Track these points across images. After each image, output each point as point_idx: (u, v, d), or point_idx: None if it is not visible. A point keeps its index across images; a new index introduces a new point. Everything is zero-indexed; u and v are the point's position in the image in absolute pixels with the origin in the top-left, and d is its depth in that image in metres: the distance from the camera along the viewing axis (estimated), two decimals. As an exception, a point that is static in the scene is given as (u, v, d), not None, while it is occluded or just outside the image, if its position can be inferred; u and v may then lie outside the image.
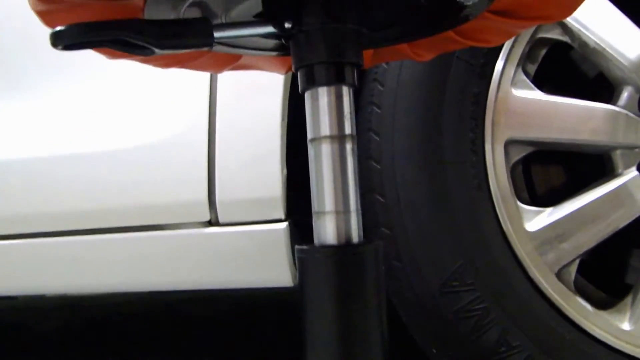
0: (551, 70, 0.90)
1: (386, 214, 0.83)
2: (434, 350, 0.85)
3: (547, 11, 0.57)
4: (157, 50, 0.48)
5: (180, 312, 1.99)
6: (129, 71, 0.92)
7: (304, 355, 0.51)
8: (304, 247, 0.52)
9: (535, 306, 0.82)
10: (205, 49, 0.50)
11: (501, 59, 0.83)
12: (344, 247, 0.51)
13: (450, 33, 0.62)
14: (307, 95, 0.53)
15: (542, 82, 0.87)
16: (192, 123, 0.88)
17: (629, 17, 0.83)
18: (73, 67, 0.96)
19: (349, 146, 0.52)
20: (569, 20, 0.83)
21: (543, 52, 0.87)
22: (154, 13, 0.51)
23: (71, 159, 0.94)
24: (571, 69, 0.93)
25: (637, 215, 0.82)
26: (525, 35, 0.84)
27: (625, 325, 0.83)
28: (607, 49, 0.83)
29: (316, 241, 0.52)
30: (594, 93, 0.86)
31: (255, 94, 0.86)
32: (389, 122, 0.83)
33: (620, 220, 0.82)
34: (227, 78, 0.87)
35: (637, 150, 0.83)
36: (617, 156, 0.84)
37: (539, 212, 0.84)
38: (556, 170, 0.92)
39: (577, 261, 0.84)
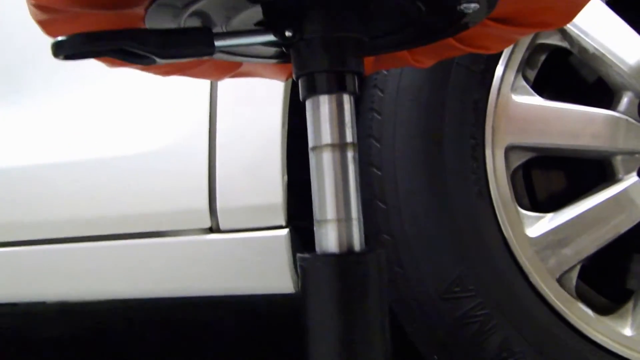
0: (551, 75, 0.90)
1: (387, 220, 0.83)
2: (436, 357, 0.85)
3: (547, 18, 0.58)
4: (158, 60, 0.48)
5: (181, 317, 1.99)
6: (130, 78, 0.92)
7: (306, 364, 0.51)
8: (306, 255, 0.52)
9: (537, 312, 0.82)
10: (206, 57, 0.50)
11: (501, 65, 0.84)
12: (346, 256, 0.51)
13: (451, 40, 0.62)
14: (308, 103, 0.53)
15: (542, 87, 0.87)
16: (192, 130, 0.88)
17: (628, 22, 0.83)
18: (74, 75, 0.96)
19: (350, 154, 0.52)
20: (568, 26, 0.83)
21: (542, 57, 0.88)
22: (154, 22, 0.51)
23: (72, 166, 0.94)
24: (570, 74, 0.93)
25: (638, 221, 0.82)
26: (525, 41, 0.84)
27: (627, 331, 0.83)
28: (607, 54, 0.83)
29: (318, 249, 0.52)
30: (593, 98, 0.86)
31: (256, 101, 0.86)
32: (390, 128, 0.83)
33: (621, 225, 0.82)
34: (227, 85, 0.87)
35: (637, 155, 0.83)
36: (618, 161, 0.84)
37: (539, 218, 0.84)
38: (557, 175, 0.92)
39: (579, 267, 0.84)
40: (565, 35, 0.84)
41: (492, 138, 0.83)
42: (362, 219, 0.52)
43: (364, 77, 0.85)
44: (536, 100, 0.84)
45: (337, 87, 0.52)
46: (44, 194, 0.96)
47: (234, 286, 0.91)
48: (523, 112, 0.84)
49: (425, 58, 0.68)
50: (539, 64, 0.87)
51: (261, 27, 0.54)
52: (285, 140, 0.85)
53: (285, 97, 0.85)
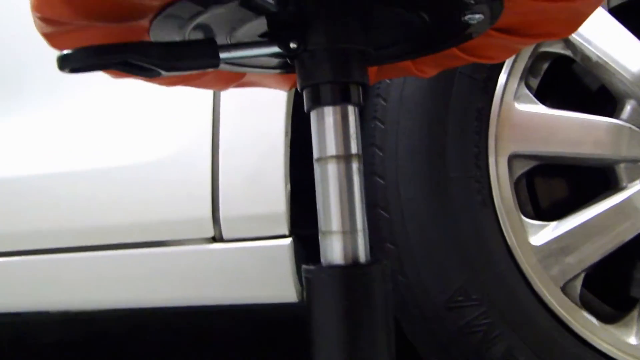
0: (554, 83, 0.90)
1: (390, 229, 0.83)
2: (440, 366, 0.85)
3: (551, 29, 0.58)
4: (163, 72, 0.48)
5: (181, 323, 1.98)
6: (132, 88, 0.92)
7: (311, 376, 0.51)
8: (311, 267, 0.51)
9: (541, 321, 0.82)
10: (211, 70, 0.50)
11: (504, 74, 0.84)
12: (351, 268, 0.51)
13: (454, 50, 0.62)
14: (312, 114, 0.53)
15: (545, 95, 0.87)
16: (195, 139, 0.88)
17: (631, 30, 0.83)
18: (77, 84, 0.96)
19: (355, 165, 0.52)
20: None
21: (545, 66, 0.88)
22: (159, 34, 0.51)
23: (74, 176, 0.94)
24: (573, 82, 0.93)
25: (642, 229, 0.82)
26: (528, 49, 0.84)
27: (632, 340, 0.83)
28: (610, 62, 0.83)
29: (323, 261, 0.52)
30: (596, 106, 0.86)
31: (259, 110, 0.86)
32: (393, 137, 0.83)
33: (625, 233, 0.82)
34: (230, 94, 0.87)
35: (641, 163, 0.83)
36: (621, 169, 0.84)
37: (543, 226, 0.84)
38: (560, 184, 0.92)
39: (583, 275, 0.84)
40: (568, 43, 0.84)
41: (495, 146, 0.83)
42: (367, 230, 0.52)
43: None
44: (539, 108, 0.84)
45: (341, 99, 0.52)
46: (47, 203, 0.96)
47: (237, 295, 0.91)
48: (526, 121, 0.83)
49: (428, 68, 0.68)
50: (542, 72, 0.88)
51: (265, 38, 0.54)
52: (289, 149, 0.85)
53: (288, 106, 0.85)
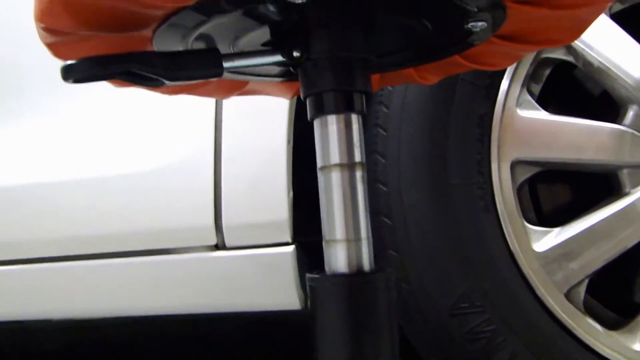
0: (555, 89, 0.90)
1: (393, 236, 0.83)
2: (444, 373, 0.84)
3: (554, 36, 0.57)
4: (167, 82, 0.48)
5: (187, 331, 1.98)
6: (134, 96, 0.92)
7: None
8: (315, 275, 0.51)
9: (545, 327, 0.82)
10: (214, 79, 0.50)
11: (506, 80, 0.84)
12: (356, 276, 0.50)
13: (457, 57, 0.62)
14: (316, 123, 0.53)
15: (547, 101, 0.87)
16: (198, 147, 0.88)
17: (632, 36, 0.83)
18: (79, 93, 0.96)
19: (358, 174, 0.52)
20: (573, 40, 0.83)
21: (547, 71, 0.88)
22: (162, 44, 0.51)
23: (78, 184, 0.94)
24: (575, 88, 0.93)
25: (645, 234, 0.82)
26: (530, 55, 0.84)
27: (637, 346, 0.83)
28: (612, 68, 0.83)
29: (327, 269, 0.52)
30: (598, 112, 0.86)
31: (261, 117, 0.86)
32: (395, 144, 0.83)
33: (628, 239, 0.82)
34: (233, 102, 0.87)
35: (643, 169, 0.83)
36: (624, 175, 0.83)
37: (546, 232, 0.84)
38: (563, 190, 0.92)
39: (586, 281, 0.84)
40: (570, 49, 0.84)
41: (497, 153, 0.83)
42: (371, 239, 0.52)
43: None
44: (541, 114, 0.84)
45: (345, 107, 0.52)
46: (49, 211, 0.96)
47: (240, 303, 0.91)
48: (528, 127, 0.83)
49: (430, 75, 0.68)
50: (544, 78, 0.87)
51: (268, 47, 0.54)
52: (291, 156, 0.85)
53: (290, 113, 0.85)
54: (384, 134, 0.84)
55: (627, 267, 0.89)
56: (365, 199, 0.52)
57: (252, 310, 0.91)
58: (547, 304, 0.82)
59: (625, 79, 0.83)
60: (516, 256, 0.82)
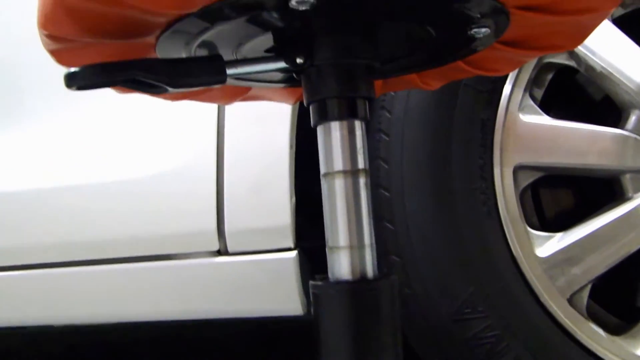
0: (558, 94, 0.90)
1: (396, 241, 0.83)
2: (447, 379, 0.84)
3: (557, 41, 0.57)
4: (170, 89, 0.48)
5: (189, 335, 1.98)
6: (137, 101, 0.92)
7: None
8: (319, 282, 0.51)
9: (548, 332, 0.81)
10: (218, 86, 0.50)
11: (508, 85, 0.84)
12: (359, 283, 0.50)
13: (459, 63, 0.62)
14: (319, 129, 0.53)
15: (550, 106, 0.87)
16: (200, 152, 0.88)
17: (635, 41, 0.83)
18: (82, 97, 0.96)
19: (362, 180, 0.52)
20: (575, 45, 0.83)
21: (549, 76, 0.88)
22: (165, 51, 0.51)
23: (80, 189, 0.94)
24: (578, 93, 0.93)
25: (648, 239, 0.82)
26: (532, 60, 0.84)
27: (639, 351, 0.82)
28: (614, 72, 0.83)
29: (331, 276, 0.52)
30: (601, 117, 0.86)
31: (263, 122, 0.86)
32: (397, 149, 0.83)
33: (631, 244, 0.82)
34: (235, 107, 0.87)
35: (646, 174, 0.83)
36: (627, 180, 0.83)
37: (549, 238, 0.83)
38: (566, 195, 0.92)
39: (589, 286, 0.84)
40: (572, 53, 0.84)
41: (500, 158, 0.83)
42: (375, 246, 0.52)
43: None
44: (544, 119, 0.84)
45: (348, 114, 0.52)
46: (51, 217, 0.96)
47: (243, 308, 0.91)
48: (531, 132, 0.83)
49: (433, 80, 0.68)
50: (546, 83, 0.87)
51: (272, 53, 0.54)
52: (294, 161, 0.85)
53: (292, 118, 0.85)
54: (387, 139, 0.83)
55: (629, 272, 0.89)
56: (368, 206, 0.52)
57: (254, 316, 0.91)
58: (550, 309, 0.82)
59: (628, 83, 0.83)
60: (519, 261, 0.82)
